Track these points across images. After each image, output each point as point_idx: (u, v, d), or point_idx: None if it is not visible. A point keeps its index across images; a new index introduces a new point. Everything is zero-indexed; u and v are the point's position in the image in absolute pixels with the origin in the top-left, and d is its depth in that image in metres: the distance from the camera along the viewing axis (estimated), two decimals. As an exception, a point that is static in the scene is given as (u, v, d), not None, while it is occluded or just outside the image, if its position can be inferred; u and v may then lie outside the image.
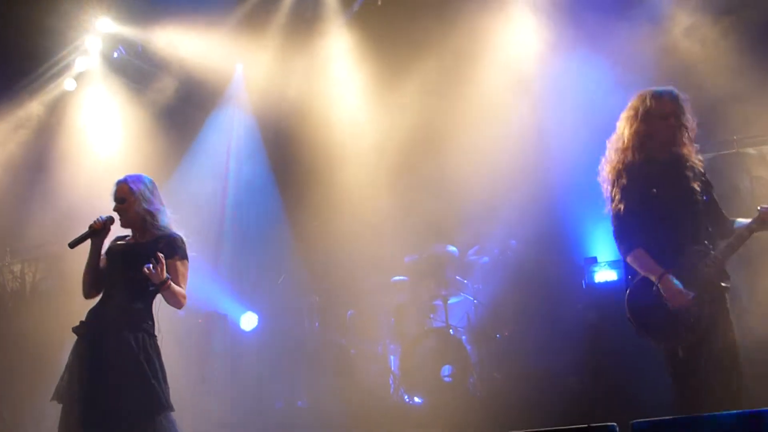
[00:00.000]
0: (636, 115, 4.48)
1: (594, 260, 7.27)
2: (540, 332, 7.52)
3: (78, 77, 8.88)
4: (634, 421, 3.23)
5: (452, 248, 8.40)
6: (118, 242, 4.69)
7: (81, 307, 4.57)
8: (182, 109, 9.27)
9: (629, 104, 4.58)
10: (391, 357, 7.89)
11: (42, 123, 8.87)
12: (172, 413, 4.43)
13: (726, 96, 6.91)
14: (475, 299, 7.85)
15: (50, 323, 7.11)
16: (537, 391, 6.83)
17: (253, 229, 9.49)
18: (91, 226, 4.51)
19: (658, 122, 4.39)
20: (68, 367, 4.43)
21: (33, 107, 8.77)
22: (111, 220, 4.59)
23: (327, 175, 9.28)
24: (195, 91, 9.22)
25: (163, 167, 8.93)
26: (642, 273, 4.32)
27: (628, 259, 4.38)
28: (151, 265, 4.34)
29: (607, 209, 4.56)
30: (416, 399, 7.28)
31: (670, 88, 4.51)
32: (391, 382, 7.54)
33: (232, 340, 8.44)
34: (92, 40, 8.67)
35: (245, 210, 9.59)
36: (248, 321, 8.57)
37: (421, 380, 7.17)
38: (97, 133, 8.92)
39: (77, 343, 4.46)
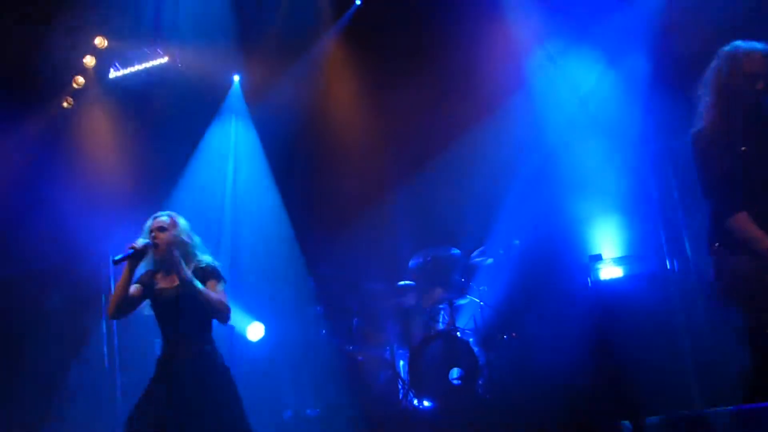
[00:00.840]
0: (719, 74, 4.10)
1: (599, 257, 7.25)
2: (547, 332, 7.50)
3: (75, 94, 8.88)
4: (648, 418, 3.22)
5: (456, 251, 8.39)
6: (163, 286, 4.73)
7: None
8: (181, 122, 9.27)
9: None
10: (400, 362, 7.87)
11: (41, 140, 8.86)
12: None
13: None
14: (481, 301, 7.84)
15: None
16: (547, 391, 6.80)
17: (257, 238, 9.48)
18: (133, 247, 4.58)
19: (743, 83, 4.01)
20: (149, 409, 4.53)
21: (30, 126, 8.76)
22: (150, 246, 4.66)
23: (329, 181, 9.28)
24: (193, 103, 9.22)
25: (163, 180, 8.97)
26: (743, 240, 3.88)
27: (730, 223, 3.91)
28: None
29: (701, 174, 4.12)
30: (426, 403, 7.26)
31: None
32: (400, 387, 7.52)
33: (239, 351, 8.42)
34: (88, 58, 8.68)
35: (248, 220, 9.59)
36: (255, 331, 8.55)
37: (430, 384, 7.15)
38: (96, 149, 8.92)
39: (152, 388, 4.62)
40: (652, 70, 7.57)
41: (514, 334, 7.65)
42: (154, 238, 4.67)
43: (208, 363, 4.65)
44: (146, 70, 8.93)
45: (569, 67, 8.22)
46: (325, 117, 9.41)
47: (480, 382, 7.23)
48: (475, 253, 8.35)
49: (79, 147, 9.00)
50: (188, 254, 4.72)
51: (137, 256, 4.58)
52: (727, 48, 4.14)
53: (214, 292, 4.66)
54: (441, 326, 7.81)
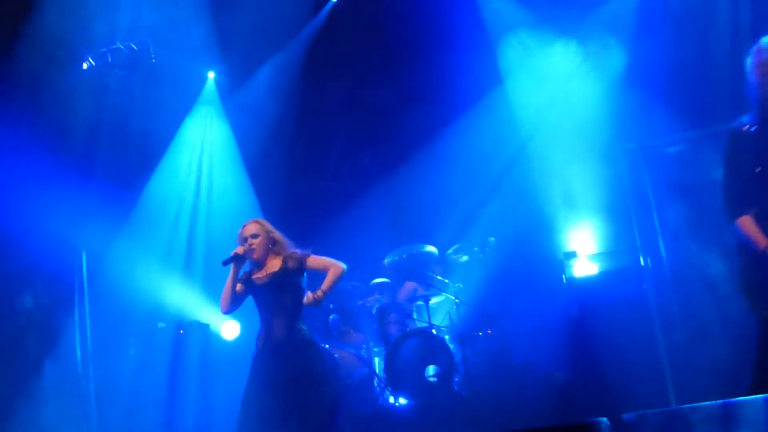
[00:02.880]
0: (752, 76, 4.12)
1: (573, 254, 7.30)
2: (522, 328, 7.56)
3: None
4: (625, 414, 3.24)
5: (432, 248, 8.41)
6: (257, 276, 5.36)
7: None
8: (154, 118, 9.19)
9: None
10: (376, 359, 7.89)
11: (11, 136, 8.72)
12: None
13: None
14: (456, 298, 7.87)
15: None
16: (522, 387, 6.87)
17: (231, 236, 9.41)
18: (236, 252, 5.27)
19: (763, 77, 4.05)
20: (251, 383, 5.22)
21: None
22: (249, 252, 5.33)
23: (304, 179, 9.26)
24: (167, 98, 9.14)
25: (136, 176, 8.89)
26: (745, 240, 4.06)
27: (736, 227, 4.10)
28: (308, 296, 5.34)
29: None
30: (402, 400, 7.28)
31: None
32: (376, 384, 7.53)
33: (214, 350, 8.38)
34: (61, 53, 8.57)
35: (222, 217, 9.53)
36: (230, 330, 8.51)
37: (406, 381, 7.16)
38: (67, 144, 8.80)
39: (256, 363, 5.26)
40: (627, 68, 7.65)
41: (489, 331, 7.69)
42: (250, 245, 5.32)
43: (299, 339, 5.21)
44: (119, 63, 8.82)
45: (545, 64, 8.26)
46: (300, 115, 9.38)
47: (456, 378, 7.26)
48: (450, 250, 8.38)
49: (50, 142, 8.88)
50: (278, 251, 5.39)
51: (239, 259, 5.28)
52: (759, 44, 4.14)
53: (319, 264, 5.42)
54: (417, 323, 7.83)
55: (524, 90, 8.32)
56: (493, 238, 8.27)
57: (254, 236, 5.38)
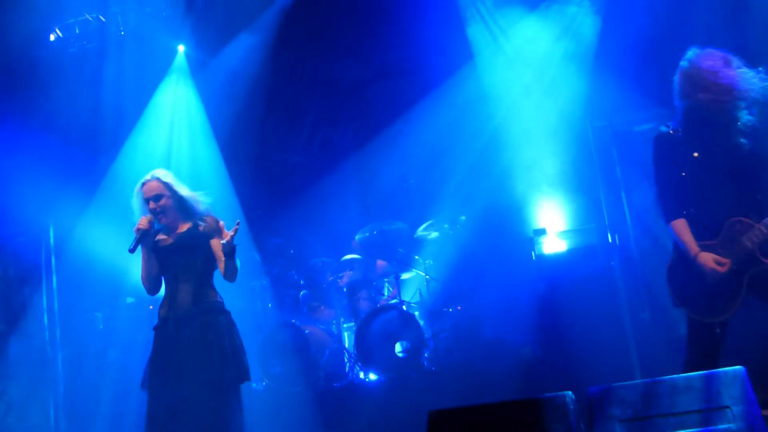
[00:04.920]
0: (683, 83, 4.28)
1: (542, 231, 7.36)
2: (492, 305, 7.62)
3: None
4: (591, 388, 3.28)
5: (402, 225, 8.43)
6: (161, 237, 4.80)
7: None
8: (123, 92, 9.07)
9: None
10: (346, 335, 7.91)
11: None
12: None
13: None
14: (426, 275, 7.90)
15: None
16: (491, 362, 6.93)
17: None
18: (139, 228, 4.64)
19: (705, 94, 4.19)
20: (154, 357, 4.65)
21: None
22: (153, 221, 4.74)
23: (275, 155, 9.21)
24: (136, 72, 9.02)
25: (104, 150, 8.78)
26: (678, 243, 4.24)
27: (670, 229, 4.26)
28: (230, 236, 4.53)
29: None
30: (372, 376, 7.32)
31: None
32: (346, 360, 7.56)
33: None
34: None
35: (193, 190, 9.44)
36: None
37: (376, 357, 7.20)
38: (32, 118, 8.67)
39: (159, 335, 4.68)
40: (597, 45, 7.67)
41: (459, 307, 7.75)
42: (154, 210, 4.74)
43: (207, 308, 4.70)
44: (86, 35, 8.68)
45: (515, 40, 8.26)
46: (271, 90, 9.31)
47: (425, 354, 7.31)
48: (421, 227, 8.40)
49: (16, 115, 8.74)
50: (189, 210, 4.81)
51: (146, 234, 4.68)
52: (689, 55, 4.28)
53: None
54: (387, 300, 7.86)
55: (494, 66, 8.31)
56: (463, 216, 8.30)
57: (157, 198, 4.75)
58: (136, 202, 4.82)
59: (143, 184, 4.82)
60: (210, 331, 4.63)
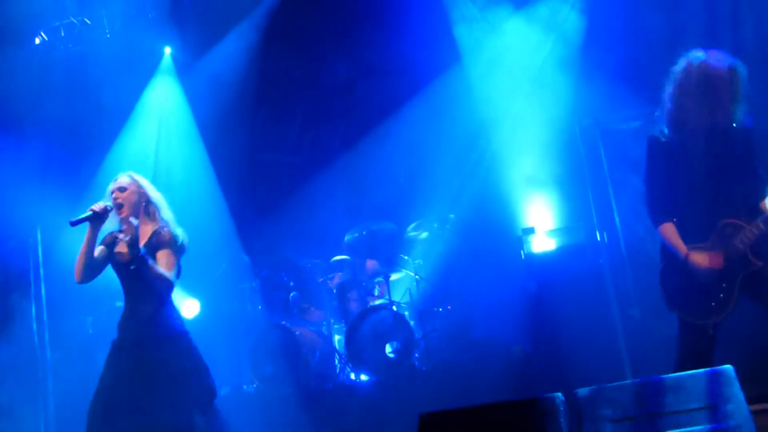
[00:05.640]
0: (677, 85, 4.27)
1: (531, 230, 7.37)
2: (481, 304, 7.64)
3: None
4: (579, 389, 3.29)
5: (392, 225, 8.43)
6: (119, 250, 4.65)
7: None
8: (110, 95, 9.03)
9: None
10: (336, 336, 7.91)
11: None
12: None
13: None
14: (416, 275, 7.90)
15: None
16: (481, 362, 6.94)
17: (190, 215, 9.33)
18: (92, 209, 4.52)
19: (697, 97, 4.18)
20: (106, 377, 4.56)
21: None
22: (110, 209, 4.61)
23: (263, 156, 9.19)
24: (122, 75, 8.99)
25: (92, 153, 8.74)
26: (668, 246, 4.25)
27: (659, 233, 4.28)
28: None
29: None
30: (363, 377, 7.32)
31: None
32: (337, 361, 7.56)
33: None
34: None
35: (181, 195, 9.43)
36: (190, 308, 8.44)
37: (366, 358, 7.20)
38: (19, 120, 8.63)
39: (114, 355, 4.60)
40: (584, 43, 7.69)
41: (449, 307, 7.76)
42: (116, 199, 4.65)
43: (164, 330, 4.60)
44: (72, 38, 8.65)
45: (502, 39, 8.27)
46: (259, 90, 9.29)
47: (416, 354, 7.32)
48: (410, 227, 8.41)
49: (1, 118, 8.70)
50: (150, 214, 4.70)
51: (96, 218, 4.52)
52: (686, 57, 4.27)
53: (164, 261, 4.57)
54: (377, 300, 7.86)
55: (481, 65, 8.32)
56: (452, 215, 8.31)
57: (122, 189, 4.66)
58: (106, 197, 4.74)
59: (115, 179, 4.79)
60: (167, 355, 4.55)
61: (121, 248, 4.64)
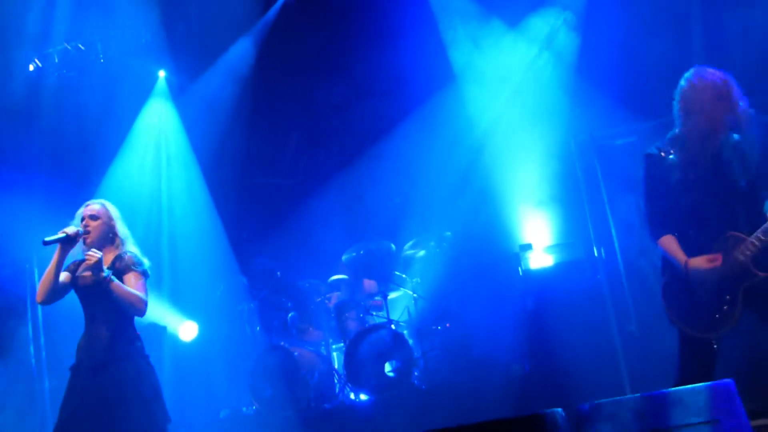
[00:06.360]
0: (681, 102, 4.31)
1: (529, 247, 7.37)
2: (480, 322, 7.62)
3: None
4: (580, 405, 3.28)
5: (389, 244, 8.42)
6: (83, 274, 4.69)
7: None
8: (105, 119, 9.05)
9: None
10: (335, 356, 7.88)
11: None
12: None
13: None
14: (414, 293, 7.89)
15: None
16: (481, 380, 6.92)
17: (187, 237, 9.34)
18: (65, 232, 4.55)
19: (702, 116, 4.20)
20: (67, 402, 4.54)
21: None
22: (81, 234, 4.64)
23: (260, 178, 9.19)
24: (118, 98, 9.02)
25: (88, 177, 8.75)
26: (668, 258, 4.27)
27: (659, 246, 4.30)
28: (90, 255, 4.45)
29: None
30: (362, 396, 7.29)
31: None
32: (336, 381, 7.53)
33: (172, 352, 8.29)
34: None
35: (178, 218, 9.43)
36: (188, 331, 8.42)
37: (366, 377, 7.17)
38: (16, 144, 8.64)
39: (74, 379, 4.59)
40: (579, 59, 7.73)
41: (448, 325, 7.73)
42: (86, 226, 4.69)
43: (124, 354, 4.61)
44: (66, 64, 8.68)
45: (496, 57, 8.31)
46: (253, 112, 9.32)
47: (415, 373, 7.29)
48: (407, 245, 8.40)
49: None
50: (116, 244, 4.78)
51: (68, 241, 4.55)
52: (685, 75, 4.29)
53: (132, 283, 4.63)
54: (375, 319, 7.84)
55: (476, 83, 8.36)
56: (449, 233, 8.31)
57: (94, 217, 4.73)
58: (75, 221, 4.77)
59: (87, 205, 4.84)
60: (126, 379, 4.55)
61: (85, 273, 4.67)
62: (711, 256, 4.11)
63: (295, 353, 7.37)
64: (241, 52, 9.23)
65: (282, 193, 9.90)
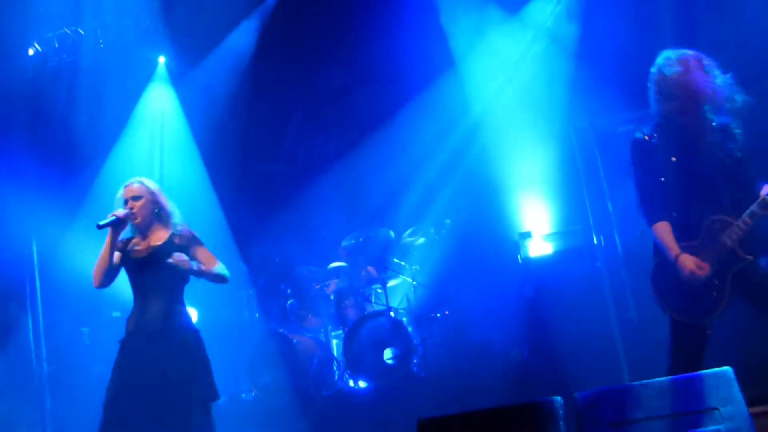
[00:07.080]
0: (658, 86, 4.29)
1: (528, 234, 7.37)
2: (479, 309, 7.63)
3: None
4: (578, 393, 3.28)
5: (388, 231, 8.43)
6: (135, 247, 4.77)
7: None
8: (104, 104, 9.02)
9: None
10: (334, 343, 7.89)
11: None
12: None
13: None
14: (413, 280, 7.90)
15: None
16: (479, 367, 6.94)
17: (186, 223, 9.31)
18: (115, 215, 4.63)
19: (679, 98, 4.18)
20: (119, 373, 4.60)
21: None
22: (129, 215, 4.72)
23: (259, 164, 9.18)
24: (117, 84, 8.99)
25: (87, 163, 8.73)
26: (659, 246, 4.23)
27: (653, 232, 4.25)
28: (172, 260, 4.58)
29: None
30: (361, 384, 7.30)
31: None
32: (335, 368, 7.54)
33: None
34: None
35: (177, 204, 9.40)
36: (186, 317, 8.42)
37: (365, 365, 7.19)
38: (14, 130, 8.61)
39: (126, 350, 4.66)
40: (579, 46, 7.70)
41: (447, 312, 7.75)
42: (131, 208, 4.73)
43: (177, 325, 4.68)
44: (66, 49, 8.65)
45: (496, 44, 8.28)
46: (253, 99, 9.30)
47: (414, 360, 7.31)
48: (406, 232, 8.41)
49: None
50: (164, 220, 4.82)
51: (119, 223, 4.63)
52: (657, 61, 4.28)
53: (204, 257, 4.77)
54: (374, 306, 7.85)
55: (476, 70, 8.34)
56: (448, 220, 8.31)
57: (136, 198, 4.75)
58: (117, 203, 4.82)
59: (126, 185, 4.85)
60: (180, 348, 4.62)
61: (139, 245, 4.76)
62: (701, 263, 4.07)
63: (294, 340, 7.39)
64: (240, 37, 9.19)
65: (281, 179, 9.89)
